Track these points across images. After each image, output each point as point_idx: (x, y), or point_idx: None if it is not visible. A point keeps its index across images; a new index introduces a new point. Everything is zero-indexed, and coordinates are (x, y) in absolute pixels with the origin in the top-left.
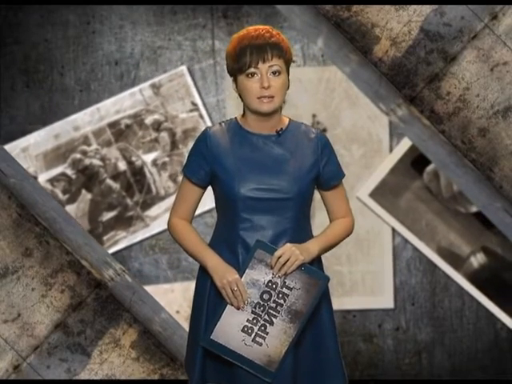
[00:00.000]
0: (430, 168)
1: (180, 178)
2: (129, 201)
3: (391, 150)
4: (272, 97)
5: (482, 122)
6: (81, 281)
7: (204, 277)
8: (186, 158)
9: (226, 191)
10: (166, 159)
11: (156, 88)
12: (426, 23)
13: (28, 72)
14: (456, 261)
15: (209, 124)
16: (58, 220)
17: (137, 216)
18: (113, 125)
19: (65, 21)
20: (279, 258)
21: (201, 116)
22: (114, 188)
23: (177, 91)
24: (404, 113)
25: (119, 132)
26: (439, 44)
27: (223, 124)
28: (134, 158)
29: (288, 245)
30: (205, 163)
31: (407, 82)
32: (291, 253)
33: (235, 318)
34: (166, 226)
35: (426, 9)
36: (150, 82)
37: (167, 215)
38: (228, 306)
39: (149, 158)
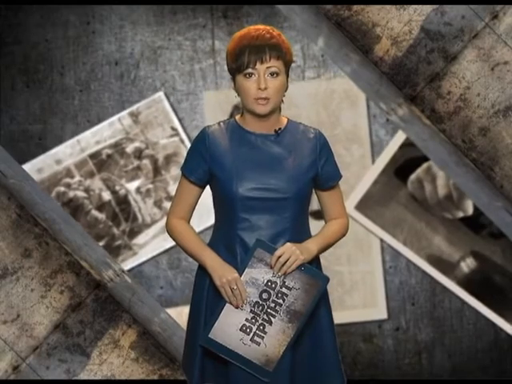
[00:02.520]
0: (413, 176)
1: (165, 203)
2: (115, 230)
3: (374, 161)
4: (268, 99)
5: (483, 122)
6: (80, 281)
7: (203, 276)
8: (185, 157)
9: (224, 191)
10: (150, 186)
11: (134, 116)
12: (426, 22)
13: (28, 72)
14: (446, 267)
15: None
16: (57, 221)
17: (125, 245)
18: (94, 155)
19: (65, 21)
20: (279, 257)
21: (181, 140)
22: (99, 218)
23: (156, 117)
24: (405, 112)
25: (101, 162)
26: (440, 43)
27: (222, 123)
28: (117, 188)
29: (288, 244)
30: (203, 162)
31: (408, 81)
32: (291, 252)
33: (234, 316)
34: (154, 253)
35: (427, 8)
36: (128, 110)
37: (155, 242)
38: (227, 305)
39: (132, 186)
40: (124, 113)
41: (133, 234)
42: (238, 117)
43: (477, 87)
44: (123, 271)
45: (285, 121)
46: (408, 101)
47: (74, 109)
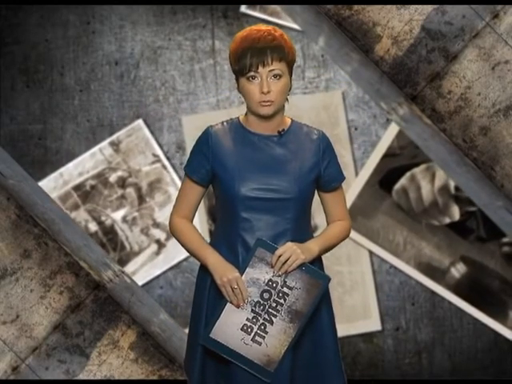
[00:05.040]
0: (397, 186)
1: (152, 231)
2: None
3: (357, 173)
4: (272, 101)
5: (484, 121)
6: (79, 282)
7: (204, 275)
8: (188, 156)
9: (226, 190)
10: (136, 214)
11: (115, 145)
12: (427, 22)
13: (28, 72)
14: (437, 274)
15: (173, 174)
16: (56, 221)
17: None
18: (78, 187)
19: (65, 21)
20: (280, 256)
21: (164, 166)
22: None
23: (136, 145)
24: (405, 112)
25: (85, 194)
26: (440, 43)
27: (225, 123)
28: (103, 218)
29: (289, 243)
30: (206, 162)
31: (408, 80)
32: (292, 251)
33: (235, 316)
34: (144, 281)
35: (428, 7)
36: (108, 140)
37: (144, 270)
38: (228, 305)
39: (118, 215)
40: (105, 143)
41: (122, 262)
42: (241, 117)
43: (477, 86)
44: (122, 272)
45: (288, 121)
46: (409, 100)
47: (74, 109)
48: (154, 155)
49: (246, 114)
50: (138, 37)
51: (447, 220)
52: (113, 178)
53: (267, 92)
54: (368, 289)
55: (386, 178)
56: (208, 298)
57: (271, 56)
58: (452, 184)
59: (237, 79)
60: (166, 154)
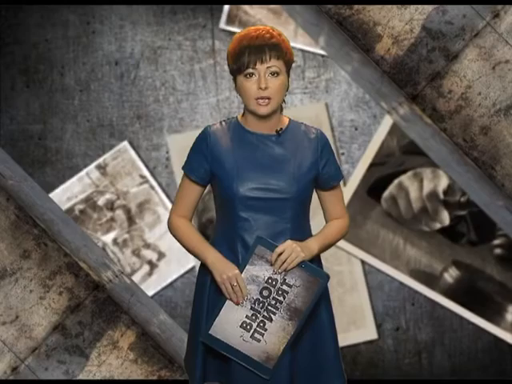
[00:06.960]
0: (386, 194)
1: (143, 252)
2: None
3: (345, 183)
4: (269, 98)
5: (484, 121)
6: (79, 283)
7: (204, 274)
8: (187, 156)
9: (225, 190)
10: (126, 236)
11: (102, 168)
12: (427, 21)
13: (28, 72)
14: (430, 280)
15: (161, 194)
16: (56, 222)
17: None
18: (67, 212)
19: (65, 21)
20: (280, 254)
21: (151, 187)
22: None
23: (123, 167)
24: (406, 111)
25: (74, 218)
26: (441, 42)
27: (224, 123)
28: (94, 241)
29: (289, 241)
30: (204, 161)
31: (409, 80)
32: (292, 249)
33: (234, 313)
34: None
35: (428, 7)
36: (95, 163)
37: None
38: (227, 302)
39: (108, 238)
40: (91, 166)
41: None
42: (239, 116)
43: (478, 86)
44: (122, 272)
45: (286, 121)
46: (409, 100)
47: (74, 109)
48: (141, 176)
49: (243, 114)
50: (137, 37)
51: (437, 225)
52: (101, 201)
53: (265, 88)
54: (362, 297)
55: (374, 186)
56: (208, 295)
57: (269, 53)
58: (440, 189)
59: (234, 79)
60: (152, 173)
